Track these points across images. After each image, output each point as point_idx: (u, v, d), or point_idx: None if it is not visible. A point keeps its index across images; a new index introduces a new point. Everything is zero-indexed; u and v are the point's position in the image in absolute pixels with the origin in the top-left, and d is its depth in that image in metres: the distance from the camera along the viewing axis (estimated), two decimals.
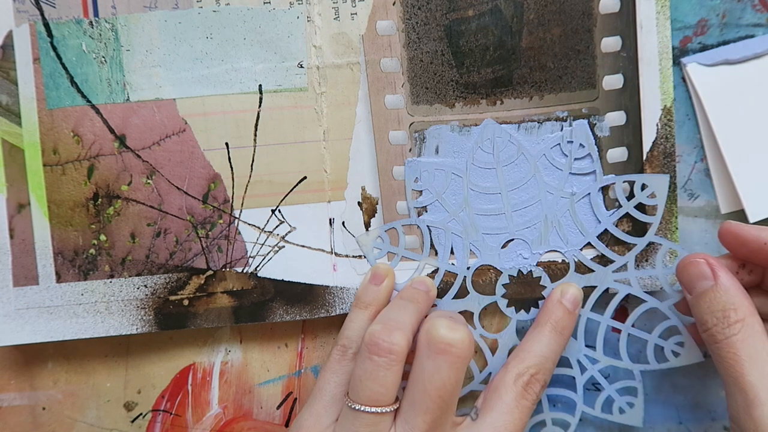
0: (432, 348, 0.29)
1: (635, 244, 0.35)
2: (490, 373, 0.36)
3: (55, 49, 0.35)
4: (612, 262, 0.35)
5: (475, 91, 0.35)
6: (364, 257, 0.36)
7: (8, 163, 0.35)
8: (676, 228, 0.35)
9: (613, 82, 0.35)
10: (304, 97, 0.35)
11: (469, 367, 0.36)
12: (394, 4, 0.35)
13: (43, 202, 0.35)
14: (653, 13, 0.34)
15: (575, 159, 0.35)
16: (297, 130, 0.35)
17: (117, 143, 0.35)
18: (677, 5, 0.35)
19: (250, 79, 0.35)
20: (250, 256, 0.36)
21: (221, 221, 0.36)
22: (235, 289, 0.36)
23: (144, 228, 0.36)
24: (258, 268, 0.36)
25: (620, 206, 0.35)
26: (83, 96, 0.35)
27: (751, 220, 0.35)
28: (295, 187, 0.36)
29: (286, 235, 0.36)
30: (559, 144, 0.35)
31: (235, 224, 0.36)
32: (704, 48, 0.35)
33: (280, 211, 0.36)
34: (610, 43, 0.35)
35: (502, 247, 0.35)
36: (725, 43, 0.35)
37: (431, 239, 0.35)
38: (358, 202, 0.36)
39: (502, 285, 0.35)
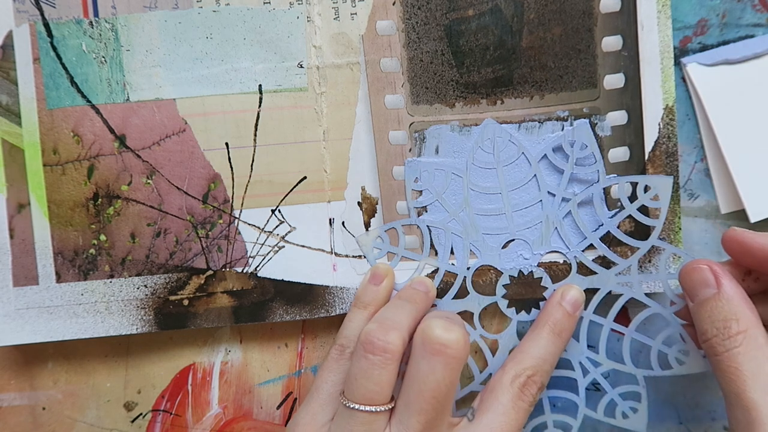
0: (427, 348, 0.29)
1: (638, 248, 0.34)
2: (491, 374, 0.35)
3: (55, 49, 0.35)
4: (615, 264, 0.34)
5: (475, 91, 0.34)
6: (364, 257, 0.35)
7: (8, 163, 0.35)
8: (680, 228, 0.35)
9: (614, 81, 0.34)
10: (304, 97, 0.35)
11: (469, 368, 0.35)
12: (394, 4, 0.34)
13: (43, 202, 0.35)
14: (654, 12, 0.34)
15: (577, 159, 0.34)
16: (297, 130, 0.35)
17: (117, 143, 0.35)
18: (677, 5, 0.35)
19: (250, 79, 0.35)
20: (250, 256, 0.35)
21: (221, 221, 0.35)
22: (235, 289, 0.35)
23: (144, 228, 0.35)
24: (258, 268, 0.35)
25: (622, 207, 0.34)
26: (83, 96, 0.35)
27: (752, 220, 0.35)
28: (295, 187, 0.35)
29: (286, 235, 0.35)
30: (560, 144, 0.34)
31: (235, 224, 0.35)
32: (704, 48, 0.35)
33: (280, 211, 0.35)
34: (611, 43, 0.34)
35: (503, 248, 0.35)
36: (725, 43, 0.35)
37: (431, 239, 0.35)
38: (358, 202, 0.35)
39: (503, 285, 0.35)
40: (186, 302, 0.35)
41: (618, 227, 0.34)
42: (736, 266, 0.31)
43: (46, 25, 0.34)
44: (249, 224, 0.35)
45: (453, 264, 0.35)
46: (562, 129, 0.34)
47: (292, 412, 0.37)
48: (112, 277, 0.35)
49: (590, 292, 0.34)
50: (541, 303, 0.34)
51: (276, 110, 0.35)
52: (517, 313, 0.35)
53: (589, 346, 0.35)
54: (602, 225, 0.34)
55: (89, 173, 0.35)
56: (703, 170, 0.36)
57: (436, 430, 0.29)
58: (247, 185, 0.35)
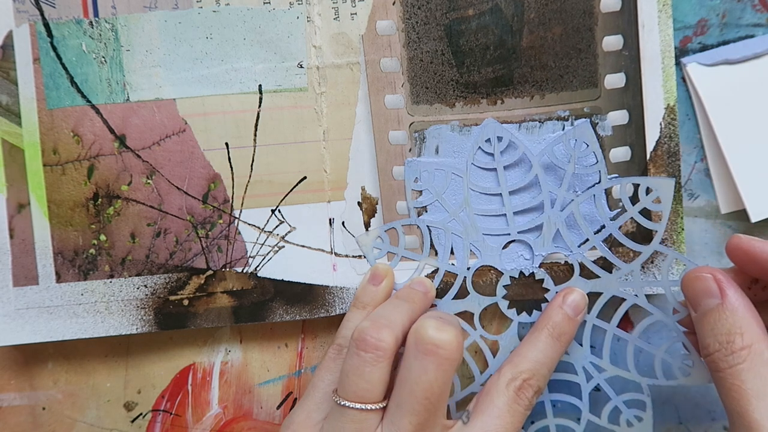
0: (419, 348, 0.28)
1: (640, 252, 0.33)
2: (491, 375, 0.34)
3: (55, 49, 0.34)
4: (617, 268, 0.33)
5: (475, 91, 0.34)
6: (364, 257, 0.35)
7: (8, 163, 0.34)
8: (682, 228, 0.34)
9: (615, 81, 0.34)
10: (304, 97, 0.34)
11: (470, 369, 0.35)
12: (393, 3, 0.34)
13: (43, 202, 0.34)
14: (655, 11, 0.33)
15: (578, 159, 0.33)
16: (297, 130, 0.35)
17: (117, 143, 0.34)
18: (677, 5, 0.34)
19: (250, 79, 0.34)
20: (250, 256, 0.35)
21: (221, 221, 0.35)
22: (235, 289, 0.35)
23: (144, 228, 0.35)
24: (258, 268, 0.35)
25: (624, 210, 0.33)
26: (83, 96, 0.34)
27: (753, 219, 0.34)
28: (295, 187, 0.35)
29: (286, 235, 0.35)
30: (561, 144, 0.33)
31: (235, 224, 0.35)
32: (704, 48, 0.35)
33: (280, 211, 0.35)
34: (612, 42, 0.34)
35: (503, 248, 0.34)
36: (725, 43, 0.35)
37: (431, 239, 0.34)
38: (358, 202, 0.35)
39: (503, 286, 0.34)
40: (186, 302, 0.35)
41: (620, 230, 0.33)
42: (742, 273, 0.29)
43: (46, 25, 0.34)
44: (249, 224, 0.35)
45: (453, 264, 0.34)
46: (563, 129, 0.34)
47: None
48: (112, 277, 0.35)
49: (594, 296, 0.33)
50: (543, 305, 0.34)
51: (276, 110, 0.34)
52: (518, 314, 0.34)
53: (592, 348, 0.34)
54: (604, 227, 0.33)
55: (89, 173, 0.34)
56: (703, 170, 0.35)
57: None
58: (247, 185, 0.35)
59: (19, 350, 0.36)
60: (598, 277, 0.33)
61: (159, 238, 0.35)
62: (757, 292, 0.29)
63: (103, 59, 0.34)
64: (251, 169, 0.35)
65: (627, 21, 0.33)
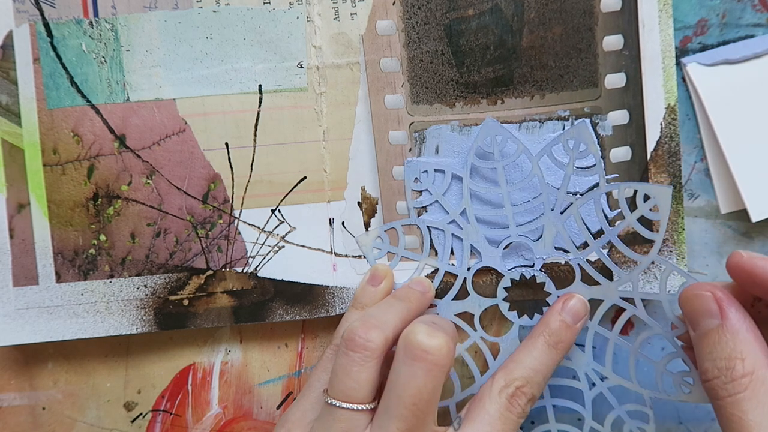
0: (408, 353, 0.27)
1: (638, 262, 0.32)
2: None
3: (55, 49, 0.34)
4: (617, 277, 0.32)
5: (475, 91, 0.33)
6: (364, 257, 0.34)
7: (8, 163, 0.34)
8: (683, 229, 0.34)
9: (615, 80, 0.33)
10: (304, 97, 0.34)
11: (470, 370, 0.34)
12: (393, 3, 0.33)
13: (43, 202, 0.34)
14: (655, 11, 0.33)
15: (578, 159, 0.32)
16: (297, 130, 0.34)
17: (117, 143, 0.34)
18: (677, 5, 0.34)
19: (250, 79, 0.34)
20: (250, 256, 0.34)
21: (221, 221, 0.34)
22: (235, 289, 0.34)
23: (144, 228, 0.34)
24: (258, 268, 0.34)
25: (623, 217, 0.32)
26: (83, 96, 0.34)
27: (754, 219, 0.34)
28: (294, 187, 0.34)
29: (286, 235, 0.34)
30: (561, 143, 0.33)
31: (235, 224, 0.34)
32: (704, 48, 0.34)
33: (279, 211, 0.34)
34: (612, 42, 0.33)
35: (504, 249, 0.33)
36: (725, 43, 0.34)
37: (431, 239, 0.34)
38: (358, 202, 0.34)
39: (504, 288, 0.33)
40: (186, 302, 0.34)
41: (618, 238, 0.32)
42: (745, 290, 0.27)
43: (46, 25, 0.33)
44: (249, 224, 0.34)
45: (453, 264, 0.34)
46: (563, 129, 0.33)
47: None
48: (112, 277, 0.34)
49: (595, 302, 0.32)
50: (544, 308, 0.33)
51: (276, 110, 0.34)
52: (519, 317, 0.33)
53: (594, 352, 0.33)
54: (604, 235, 0.32)
55: (89, 173, 0.34)
56: (703, 170, 0.35)
57: None
58: (247, 185, 0.34)
59: (19, 350, 0.36)
60: (599, 284, 0.32)
61: (159, 238, 0.34)
62: (761, 309, 0.26)
63: (103, 59, 0.34)
64: (251, 169, 0.34)
65: (627, 21, 0.33)
